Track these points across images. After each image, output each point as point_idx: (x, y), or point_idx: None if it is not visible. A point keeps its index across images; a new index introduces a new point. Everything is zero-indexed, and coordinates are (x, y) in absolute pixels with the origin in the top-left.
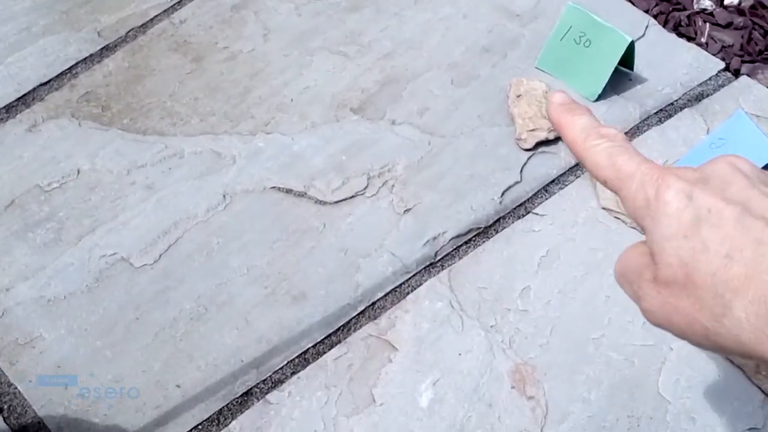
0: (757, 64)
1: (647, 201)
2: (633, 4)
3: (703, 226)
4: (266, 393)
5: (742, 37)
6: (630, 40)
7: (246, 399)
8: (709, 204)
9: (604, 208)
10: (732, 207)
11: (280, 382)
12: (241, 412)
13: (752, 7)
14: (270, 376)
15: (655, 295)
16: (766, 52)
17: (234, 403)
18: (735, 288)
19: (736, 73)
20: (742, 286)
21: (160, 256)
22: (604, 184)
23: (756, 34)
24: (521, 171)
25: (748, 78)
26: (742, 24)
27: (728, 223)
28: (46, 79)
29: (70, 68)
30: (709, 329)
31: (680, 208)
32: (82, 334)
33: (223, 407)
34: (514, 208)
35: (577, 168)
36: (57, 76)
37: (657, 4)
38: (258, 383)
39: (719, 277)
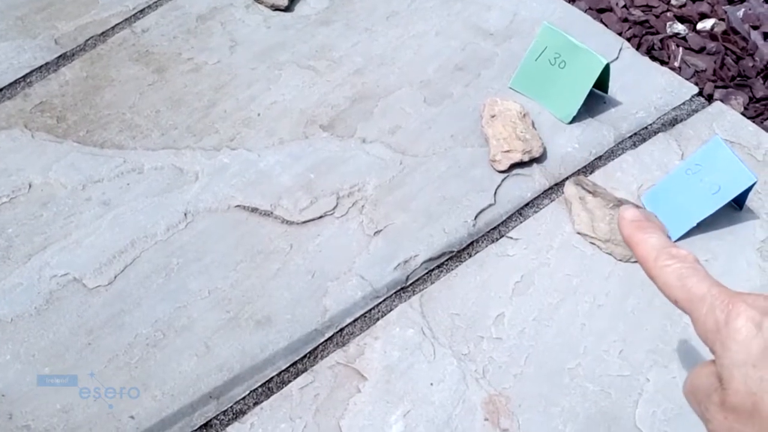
0: (730, 89)
1: (717, 326)
2: (606, 26)
3: None
4: (227, 425)
5: (715, 62)
6: (606, 62)
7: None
8: None
9: (579, 233)
10: None
11: (242, 413)
12: None
13: (724, 32)
14: (231, 406)
15: (722, 420)
16: (738, 78)
17: None
18: None
19: (710, 98)
20: None
21: (115, 277)
22: (675, 303)
23: (728, 60)
24: (495, 193)
25: (722, 103)
26: (714, 49)
27: None
28: None
29: (24, 77)
30: None
31: (749, 337)
32: (29, 360)
33: None
34: (488, 232)
35: (551, 191)
36: (10, 85)
37: (630, 27)
38: (218, 414)
39: None
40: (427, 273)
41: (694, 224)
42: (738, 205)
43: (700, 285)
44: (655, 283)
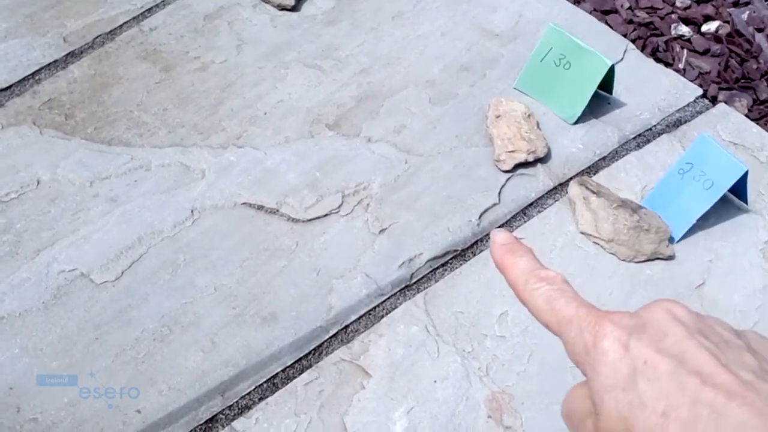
0: (734, 91)
1: (586, 348)
2: (611, 27)
3: (639, 380)
4: (232, 420)
5: (719, 64)
6: (610, 63)
7: (211, 426)
8: (644, 356)
9: (582, 233)
10: (667, 360)
11: (247, 408)
12: None
13: (729, 35)
14: (236, 401)
15: None
16: (742, 80)
17: (198, 430)
18: None
19: (714, 100)
20: None
21: (122, 272)
22: (546, 327)
23: (733, 62)
24: (499, 193)
25: (726, 105)
26: (719, 51)
27: (663, 377)
28: (6, 85)
29: (33, 74)
30: None
31: (616, 359)
32: (37, 354)
33: None
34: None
35: (555, 191)
36: (19, 82)
37: (635, 29)
38: (223, 409)
39: None
40: (431, 271)
41: (694, 221)
42: (742, 199)
43: (568, 307)
44: (526, 308)
